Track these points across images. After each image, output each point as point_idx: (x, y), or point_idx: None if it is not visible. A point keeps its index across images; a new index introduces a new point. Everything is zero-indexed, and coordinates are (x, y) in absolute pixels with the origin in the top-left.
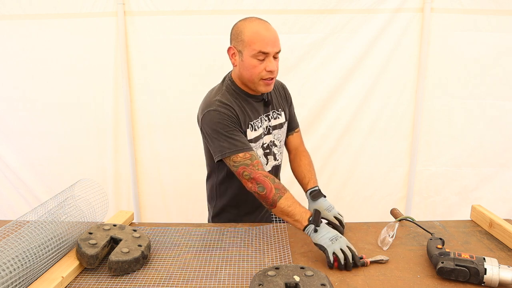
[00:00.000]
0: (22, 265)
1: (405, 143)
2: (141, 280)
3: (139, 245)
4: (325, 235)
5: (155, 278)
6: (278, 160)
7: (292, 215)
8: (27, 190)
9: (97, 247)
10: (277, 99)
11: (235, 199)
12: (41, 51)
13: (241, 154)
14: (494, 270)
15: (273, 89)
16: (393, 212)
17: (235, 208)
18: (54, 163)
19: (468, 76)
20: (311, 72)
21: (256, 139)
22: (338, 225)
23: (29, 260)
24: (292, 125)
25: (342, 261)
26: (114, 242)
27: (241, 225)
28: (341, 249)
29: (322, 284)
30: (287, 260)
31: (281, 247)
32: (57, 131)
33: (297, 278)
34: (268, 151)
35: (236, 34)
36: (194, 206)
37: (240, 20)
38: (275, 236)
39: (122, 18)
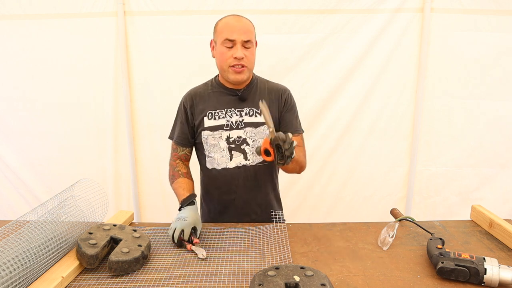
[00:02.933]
0: (22, 265)
1: (405, 143)
2: (141, 280)
3: (139, 245)
4: (179, 213)
5: (155, 278)
6: (249, 160)
7: (177, 195)
8: (27, 190)
9: (97, 247)
10: (260, 99)
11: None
12: (41, 51)
13: (172, 142)
14: (494, 270)
15: (262, 89)
16: (393, 212)
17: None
18: (54, 163)
19: (468, 76)
20: (311, 72)
21: (213, 128)
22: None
23: (29, 260)
24: (288, 130)
25: (171, 236)
26: (114, 242)
27: (241, 225)
28: (175, 229)
29: (322, 284)
30: (287, 260)
31: (281, 247)
32: (57, 131)
33: (297, 278)
34: (233, 146)
35: (214, 28)
36: None
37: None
38: (275, 236)
39: (122, 18)
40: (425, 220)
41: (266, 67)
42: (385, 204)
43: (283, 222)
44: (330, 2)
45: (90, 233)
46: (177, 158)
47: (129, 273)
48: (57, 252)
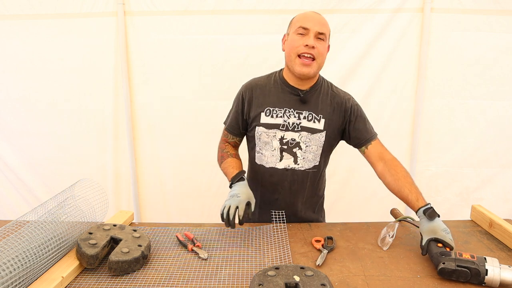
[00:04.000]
0: (22, 265)
1: (405, 143)
2: (141, 280)
3: (139, 245)
4: (231, 191)
5: (155, 278)
6: (298, 164)
7: (226, 175)
8: (27, 190)
9: (97, 247)
10: (322, 104)
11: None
12: (41, 51)
13: (224, 127)
14: (495, 270)
15: (324, 93)
16: (393, 212)
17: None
18: (54, 163)
19: (468, 76)
20: None
21: (269, 126)
22: (449, 249)
23: (29, 260)
24: (364, 137)
25: (220, 215)
26: (114, 242)
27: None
28: (229, 206)
29: (322, 284)
30: (287, 260)
31: (281, 247)
32: (57, 131)
33: (297, 278)
34: (286, 147)
35: (290, 23)
36: (194, 206)
37: None
38: (275, 236)
39: (122, 18)
40: None
41: (266, 67)
42: (385, 204)
43: (283, 222)
44: (330, 2)
45: (90, 233)
46: (226, 142)
47: (129, 273)
48: (57, 252)
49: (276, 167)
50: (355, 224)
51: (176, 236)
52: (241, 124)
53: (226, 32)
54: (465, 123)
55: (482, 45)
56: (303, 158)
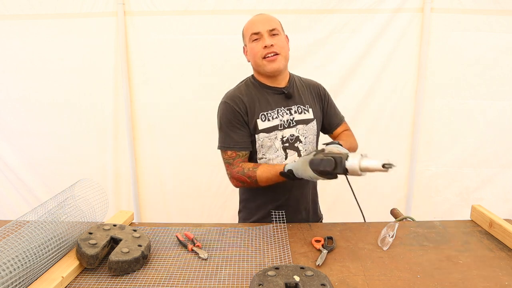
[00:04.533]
0: (22, 265)
1: (405, 143)
2: (141, 280)
3: (139, 245)
4: (303, 157)
5: (155, 278)
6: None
7: (273, 173)
8: (27, 190)
9: (97, 247)
10: (304, 95)
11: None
12: (41, 51)
13: (229, 152)
14: (355, 159)
15: (300, 85)
16: (393, 212)
17: (256, 204)
18: (54, 163)
19: (468, 76)
20: (311, 72)
21: (269, 130)
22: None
23: (29, 260)
24: (335, 121)
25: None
26: (114, 242)
27: (241, 225)
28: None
29: (322, 284)
30: (287, 260)
31: (281, 247)
32: (57, 131)
33: (297, 278)
34: (287, 145)
35: (242, 34)
36: (194, 206)
37: None
38: (275, 236)
39: (122, 18)
40: (425, 220)
41: None
42: (385, 204)
43: (283, 222)
44: (330, 2)
45: (90, 233)
46: (241, 162)
47: (129, 273)
48: (57, 252)
49: None
50: (355, 224)
51: (176, 236)
52: (250, 136)
53: (226, 32)
54: (465, 123)
55: (482, 45)
56: (305, 150)
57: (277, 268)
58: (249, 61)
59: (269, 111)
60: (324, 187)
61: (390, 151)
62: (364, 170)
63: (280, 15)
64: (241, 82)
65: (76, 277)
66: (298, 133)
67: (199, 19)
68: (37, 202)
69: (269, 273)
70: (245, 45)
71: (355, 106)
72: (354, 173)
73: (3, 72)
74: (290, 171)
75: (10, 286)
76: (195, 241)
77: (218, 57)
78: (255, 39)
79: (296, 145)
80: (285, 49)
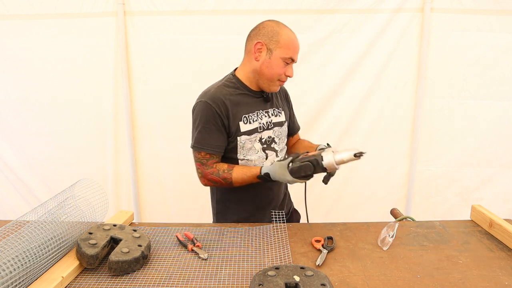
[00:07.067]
0: (22, 265)
1: (405, 143)
2: (141, 280)
3: (139, 245)
4: (280, 162)
5: (155, 278)
6: (279, 156)
7: (249, 175)
8: (27, 190)
9: (97, 247)
10: (278, 99)
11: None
12: (41, 51)
13: (203, 153)
14: (329, 156)
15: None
16: (393, 212)
17: (237, 203)
18: (54, 163)
19: (468, 76)
20: (311, 72)
21: (250, 132)
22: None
23: (29, 260)
24: (294, 129)
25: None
26: (114, 242)
27: (241, 225)
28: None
29: (322, 284)
30: (287, 260)
31: (281, 247)
32: (57, 131)
33: (297, 278)
34: (266, 146)
35: (271, 33)
36: (194, 206)
37: (271, 21)
38: (275, 236)
39: (122, 18)
40: (425, 220)
41: None
42: (385, 204)
43: (283, 222)
44: (330, 2)
45: (90, 233)
46: (214, 163)
47: (129, 273)
48: (57, 252)
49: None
50: (355, 224)
51: (176, 236)
52: (226, 140)
53: (226, 32)
54: (465, 123)
55: (482, 45)
56: (280, 150)
57: (277, 268)
58: (257, 60)
59: (250, 114)
60: (324, 187)
61: (390, 151)
62: (339, 163)
63: (280, 15)
64: (221, 81)
65: (76, 277)
66: (274, 134)
67: (199, 19)
68: (37, 202)
69: (269, 273)
70: (269, 49)
71: (355, 106)
72: (332, 169)
73: (3, 72)
74: (267, 174)
75: (10, 286)
76: (195, 241)
77: (218, 57)
78: (287, 63)
79: (273, 145)
80: None
